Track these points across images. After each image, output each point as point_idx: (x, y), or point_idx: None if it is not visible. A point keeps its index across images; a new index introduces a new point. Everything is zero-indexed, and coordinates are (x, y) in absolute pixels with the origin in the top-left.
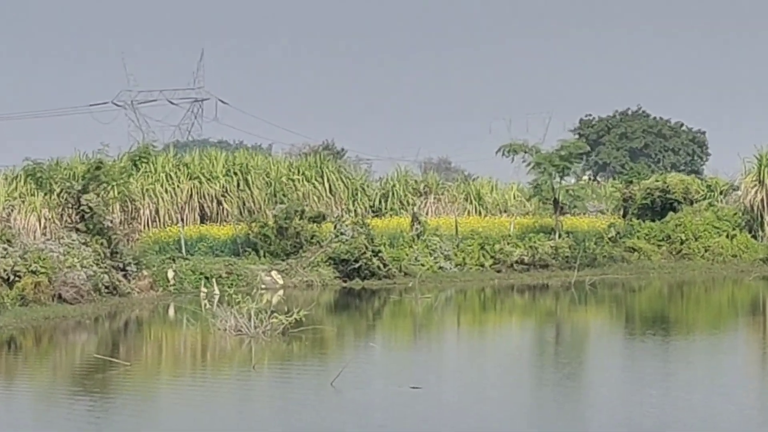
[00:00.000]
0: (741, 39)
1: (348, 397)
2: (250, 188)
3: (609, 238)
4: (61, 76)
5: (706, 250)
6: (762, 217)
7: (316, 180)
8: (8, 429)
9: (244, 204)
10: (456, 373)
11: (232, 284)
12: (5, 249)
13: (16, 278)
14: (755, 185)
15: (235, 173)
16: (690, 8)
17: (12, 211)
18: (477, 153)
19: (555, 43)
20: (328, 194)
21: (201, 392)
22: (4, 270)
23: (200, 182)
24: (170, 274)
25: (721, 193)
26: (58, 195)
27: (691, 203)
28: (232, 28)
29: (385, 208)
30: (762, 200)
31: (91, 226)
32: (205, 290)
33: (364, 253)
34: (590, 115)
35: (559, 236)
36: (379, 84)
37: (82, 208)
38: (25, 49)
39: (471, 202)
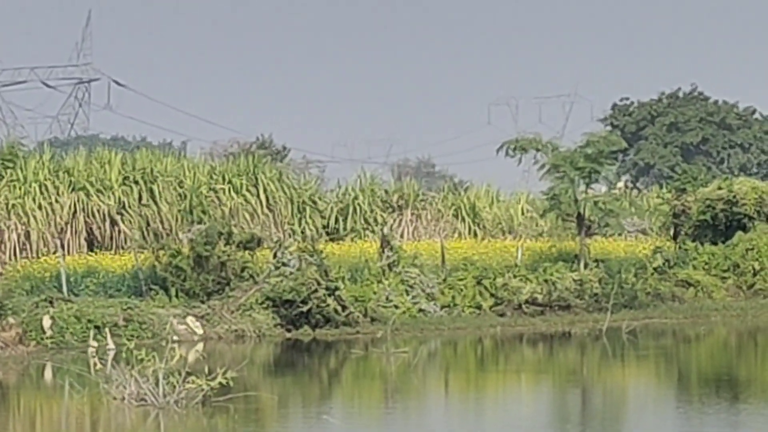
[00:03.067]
0: None
1: None
2: (156, 203)
3: (654, 269)
4: None
5: None
6: None
7: (248, 191)
8: None
9: (148, 224)
10: None
11: (132, 336)
12: None
13: None
14: None
15: (136, 182)
16: None
17: None
18: (470, 152)
19: (576, 6)
20: (265, 210)
21: None
22: None
23: (87, 195)
24: (46, 322)
25: None
26: None
27: (767, 219)
28: None
29: (344, 229)
30: None
31: None
32: (95, 344)
33: (315, 291)
34: (627, 98)
35: (586, 266)
36: (334, 63)
37: None
38: None
39: (463, 220)
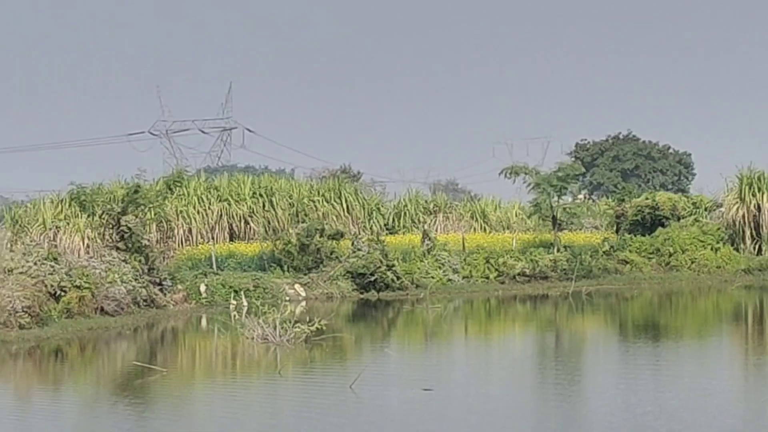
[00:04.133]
0: (724, 67)
1: (366, 399)
2: (274, 209)
3: (603, 252)
4: (102, 108)
5: (692, 262)
6: (743, 231)
7: (334, 201)
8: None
9: (269, 223)
10: (464, 376)
11: (258, 297)
12: (52, 266)
13: (62, 293)
14: (737, 202)
15: (261, 195)
16: (675, 39)
17: (58, 231)
18: (482, 174)
19: (552, 73)
20: (346, 214)
21: (231, 396)
22: (51, 285)
23: (229, 204)
24: (202, 288)
25: (705, 209)
26: (100, 217)
27: (678, 219)
28: (256, 63)
29: (398, 226)
30: (743, 216)
31: (130, 245)
32: (234, 302)
33: (379, 267)
34: (585, 139)
35: (558, 250)
36: (392, 112)
37: (121, 228)
38: (69, 83)
39: (476, 220)
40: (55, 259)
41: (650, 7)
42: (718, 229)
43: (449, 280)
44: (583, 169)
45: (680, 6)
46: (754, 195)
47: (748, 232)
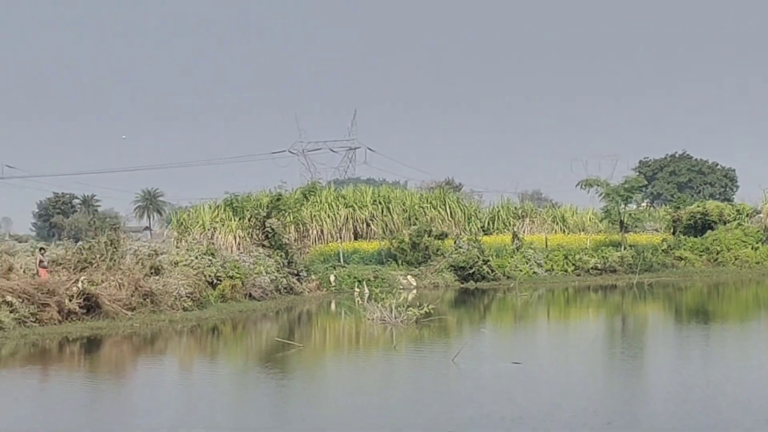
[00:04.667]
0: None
1: (465, 371)
2: (391, 214)
3: (662, 250)
4: (251, 131)
5: (736, 259)
6: None
7: (440, 207)
8: (213, 394)
9: (386, 225)
10: (547, 351)
11: (377, 286)
12: (210, 260)
13: (218, 282)
14: None
15: (380, 203)
16: (723, 69)
17: (215, 231)
18: (562, 185)
19: (621, 101)
20: (449, 218)
21: (354, 367)
22: (209, 275)
23: (353, 210)
24: (332, 278)
25: (747, 215)
26: (249, 220)
27: (724, 223)
28: (376, 92)
29: (492, 228)
30: None
31: (273, 243)
32: (358, 290)
33: (477, 262)
34: (647, 157)
35: (624, 249)
36: (489, 132)
37: (266, 229)
38: (224, 110)
39: (557, 223)
40: (212, 254)
41: (698, 42)
42: (758, 231)
43: (534, 272)
44: (645, 182)
45: (726, 37)
46: None
47: None
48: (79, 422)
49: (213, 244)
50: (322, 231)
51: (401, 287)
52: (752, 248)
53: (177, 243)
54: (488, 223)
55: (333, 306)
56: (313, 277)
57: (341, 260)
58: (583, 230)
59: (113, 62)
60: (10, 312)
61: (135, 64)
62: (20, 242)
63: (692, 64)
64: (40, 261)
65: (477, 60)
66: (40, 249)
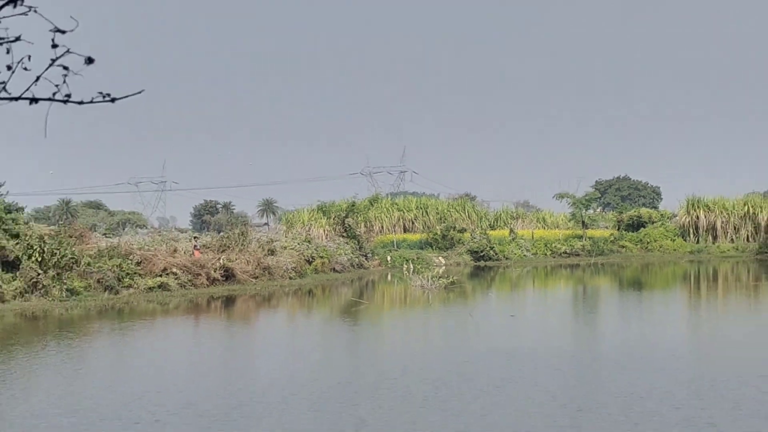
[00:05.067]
0: (678, 127)
1: (479, 321)
2: (428, 216)
3: (610, 241)
4: (336, 157)
5: (660, 247)
6: (689, 230)
7: (461, 212)
8: (308, 334)
9: (425, 223)
10: (534, 307)
11: (419, 263)
12: (307, 245)
13: (312, 260)
14: (685, 214)
15: (421, 208)
16: (649, 108)
17: (311, 227)
18: (544, 197)
19: (586, 134)
20: (468, 219)
21: (404, 316)
22: (306, 255)
23: (403, 213)
24: (388, 258)
25: (668, 218)
26: (333, 219)
27: (653, 223)
28: (421, 127)
29: (496, 225)
30: (688, 222)
31: (349, 234)
32: (406, 266)
33: (486, 248)
34: (601, 178)
35: (585, 240)
36: (494, 158)
37: (345, 225)
38: (319, 141)
39: (540, 223)
40: (308, 241)
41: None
42: (675, 228)
43: (524, 255)
44: (599, 195)
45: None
46: (695, 210)
47: (691, 231)
48: (221, 349)
49: (309, 235)
50: (382, 227)
51: (435, 264)
52: (671, 240)
53: (285, 234)
54: (494, 222)
55: (389, 277)
56: (376, 257)
57: (395, 246)
58: (557, 227)
59: (238, 101)
60: (175, 279)
61: (257, 104)
62: (182, 233)
63: (638, 106)
64: (195, 245)
65: (481, 103)
66: (195, 237)
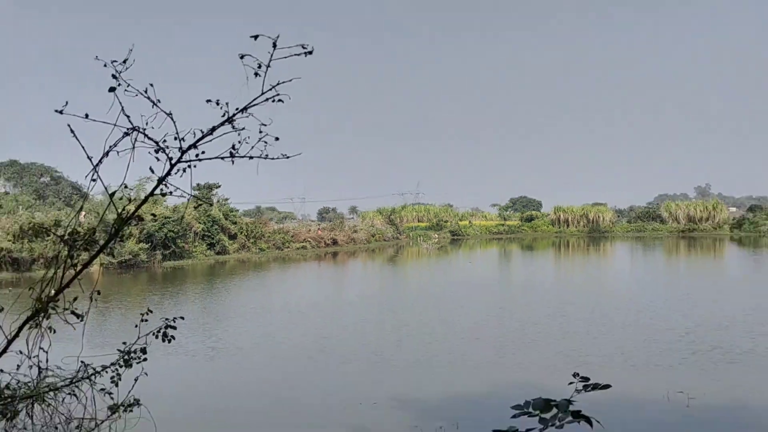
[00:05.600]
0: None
1: (447, 266)
2: (430, 214)
3: (517, 227)
4: (384, 184)
5: (542, 231)
6: (555, 222)
7: (446, 212)
8: (360, 279)
9: (428, 218)
10: (481, 259)
11: (425, 237)
12: (372, 228)
13: (374, 235)
14: (553, 214)
15: (426, 211)
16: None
17: (373, 219)
18: (486, 204)
19: (511, 164)
20: (449, 215)
21: (418, 262)
22: (371, 233)
23: (418, 213)
24: (411, 234)
25: (545, 216)
26: (384, 215)
27: (538, 219)
28: (428, 162)
29: (463, 219)
30: (555, 218)
31: (392, 223)
32: (420, 239)
33: (457, 230)
34: (513, 196)
35: (505, 226)
36: (482, 171)
37: (389, 219)
38: (378, 170)
39: (484, 218)
40: (372, 226)
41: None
42: (548, 221)
43: (476, 234)
44: (512, 204)
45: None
46: (558, 212)
47: (557, 222)
48: (328, 282)
49: (372, 223)
50: (407, 219)
51: (433, 238)
52: (547, 227)
53: (362, 222)
54: (461, 217)
55: (411, 244)
56: (405, 234)
57: (413, 229)
58: (492, 220)
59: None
60: (309, 244)
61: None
62: (312, 222)
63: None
64: (318, 228)
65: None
66: (318, 224)
